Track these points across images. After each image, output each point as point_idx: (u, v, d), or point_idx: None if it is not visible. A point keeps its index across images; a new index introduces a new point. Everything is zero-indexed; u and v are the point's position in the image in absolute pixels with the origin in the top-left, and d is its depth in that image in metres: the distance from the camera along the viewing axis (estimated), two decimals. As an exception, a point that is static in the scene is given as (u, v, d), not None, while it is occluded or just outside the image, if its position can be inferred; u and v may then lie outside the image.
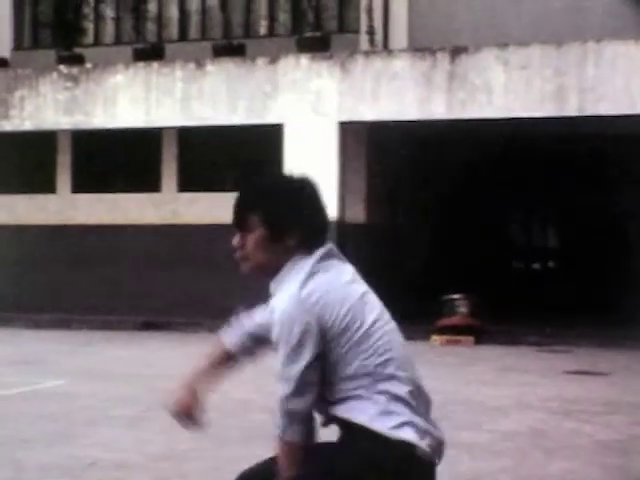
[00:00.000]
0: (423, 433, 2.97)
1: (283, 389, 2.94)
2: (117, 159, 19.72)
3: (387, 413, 2.94)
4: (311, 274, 2.99)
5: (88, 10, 20.60)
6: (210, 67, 17.63)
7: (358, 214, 18.05)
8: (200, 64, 17.68)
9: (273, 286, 3.09)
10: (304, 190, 3.13)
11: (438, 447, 3.04)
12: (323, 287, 2.97)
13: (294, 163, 15.75)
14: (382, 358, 2.97)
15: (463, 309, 15.80)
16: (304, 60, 17.01)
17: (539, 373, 12.09)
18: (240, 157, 18.73)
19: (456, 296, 15.94)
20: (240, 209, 3.11)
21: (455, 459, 7.18)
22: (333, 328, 2.94)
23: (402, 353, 3.05)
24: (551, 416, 9.04)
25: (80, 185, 19.86)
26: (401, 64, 16.53)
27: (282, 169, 15.35)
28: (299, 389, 2.92)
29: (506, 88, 16.05)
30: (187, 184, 19.22)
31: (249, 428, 8.06)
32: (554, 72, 15.83)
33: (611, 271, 21.86)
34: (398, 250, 19.14)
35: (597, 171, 23.07)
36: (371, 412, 2.94)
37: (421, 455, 2.95)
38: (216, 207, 17.68)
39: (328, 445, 3.05)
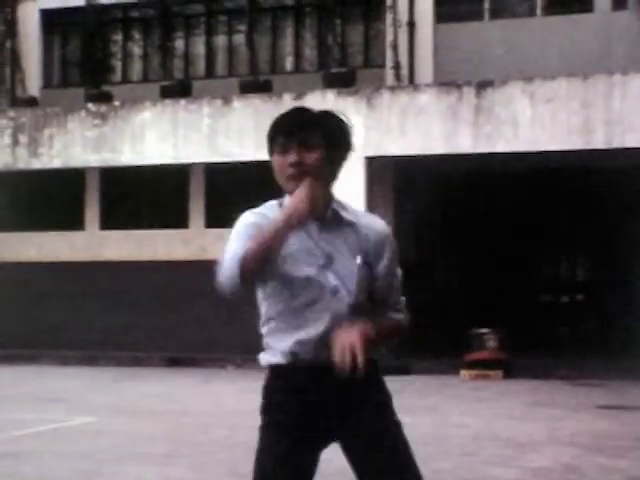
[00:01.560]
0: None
1: None
2: (145, 196, 19.82)
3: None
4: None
5: (116, 48, 20.85)
6: (237, 103, 17.73)
7: (385, 249, 17.96)
8: (227, 100, 17.79)
9: (339, 206, 3.31)
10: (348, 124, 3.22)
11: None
12: None
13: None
14: None
15: (492, 343, 15.70)
16: (330, 95, 17.07)
17: (570, 407, 11.96)
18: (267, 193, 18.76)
19: (484, 330, 15.84)
20: (305, 125, 3.12)
21: (486, 495, 7.09)
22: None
23: None
24: (583, 451, 8.90)
25: (108, 222, 19.95)
26: (427, 98, 16.56)
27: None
28: None
29: (532, 121, 16.03)
30: (215, 220, 19.24)
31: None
32: (580, 105, 15.80)
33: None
34: (426, 285, 19.05)
35: (625, 203, 22.92)
36: None
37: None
38: (243, 242, 17.60)
39: None
